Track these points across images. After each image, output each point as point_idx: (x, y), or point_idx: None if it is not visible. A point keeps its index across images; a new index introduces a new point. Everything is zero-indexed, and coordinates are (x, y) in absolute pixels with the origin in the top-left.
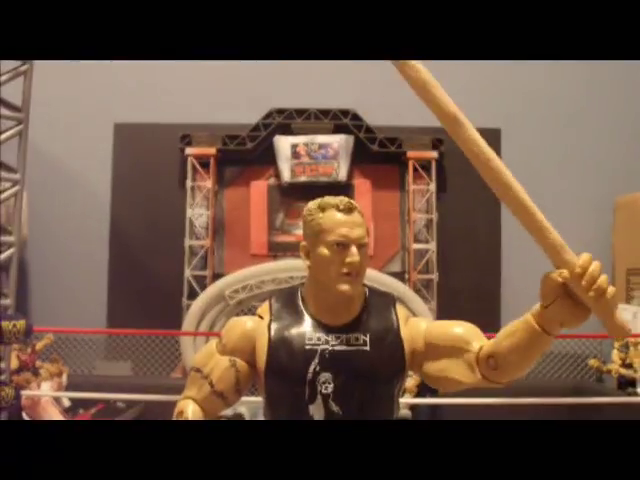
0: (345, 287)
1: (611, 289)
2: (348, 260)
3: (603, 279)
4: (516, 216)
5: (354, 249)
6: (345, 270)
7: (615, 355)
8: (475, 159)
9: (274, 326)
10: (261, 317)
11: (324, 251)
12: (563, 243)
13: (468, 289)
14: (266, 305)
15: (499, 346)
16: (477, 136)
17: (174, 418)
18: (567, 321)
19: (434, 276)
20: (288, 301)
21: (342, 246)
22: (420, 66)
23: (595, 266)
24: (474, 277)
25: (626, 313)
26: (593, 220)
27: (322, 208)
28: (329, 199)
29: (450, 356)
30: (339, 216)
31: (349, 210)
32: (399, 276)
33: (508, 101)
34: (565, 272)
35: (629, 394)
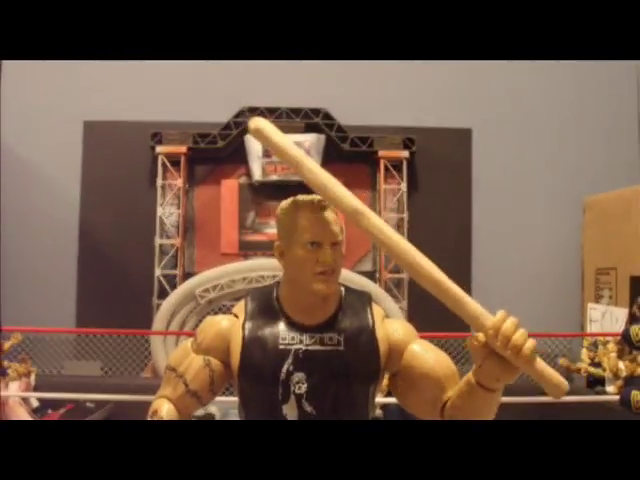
0: (320, 286)
1: (529, 344)
2: (322, 259)
3: (518, 335)
4: (432, 292)
5: (328, 248)
6: (319, 269)
7: (584, 354)
8: (382, 245)
9: (248, 325)
10: (236, 316)
11: (298, 250)
12: (481, 310)
13: None
14: (242, 304)
15: (455, 406)
16: (381, 223)
17: (149, 417)
18: (501, 377)
19: (405, 275)
20: (263, 300)
21: (316, 245)
22: (320, 169)
23: (508, 324)
24: None
25: (595, 312)
26: (562, 220)
27: (295, 207)
28: (302, 198)
29: (420, 390)
30: (312, 215)
31: (322, 208)
32: (370, 275)
33: (479, 101)
34: (480, 336)
35: (597, 393)
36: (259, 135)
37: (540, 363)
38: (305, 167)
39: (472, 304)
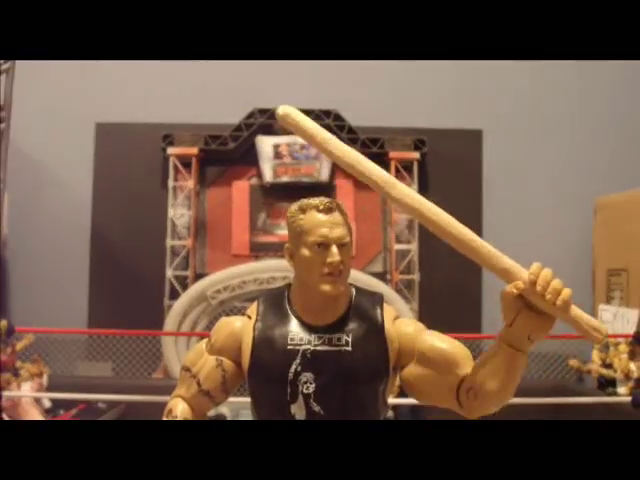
0: (327, 287)
1: (567, 290)
2: (329, 260)
3: (557, 282)
4: (463, 251)
5: (334, 249)
6: (326, 270)
7: (595, 355)
8: (416, 213)
9: (259, 326)
10: (249, 317)
11: (306, 252)
12: (516, 264)
13: (450, 289)
14: (255, 305)
15: (476, 376)
16: (411, 191)
17: (164, 417)
18: (534, 333)
19: (416, 276)
20: (275, 301)
21: (323, 246)
22: (348, 148)
23: (547, 271)
24: (456, 277)
25: (606, 314)
26: (573, 221)
27: (302, 209)
28: (309, 200)
29: (435, 371)
30: (319, 216)
31: (329, 210)
32: (381, 276)
33: (489, 102)
34: (519, 283)
35: (609, 394)
36: (287, 120)
37: (576, 309)
38: (332, 146)
39: (506, 258)
